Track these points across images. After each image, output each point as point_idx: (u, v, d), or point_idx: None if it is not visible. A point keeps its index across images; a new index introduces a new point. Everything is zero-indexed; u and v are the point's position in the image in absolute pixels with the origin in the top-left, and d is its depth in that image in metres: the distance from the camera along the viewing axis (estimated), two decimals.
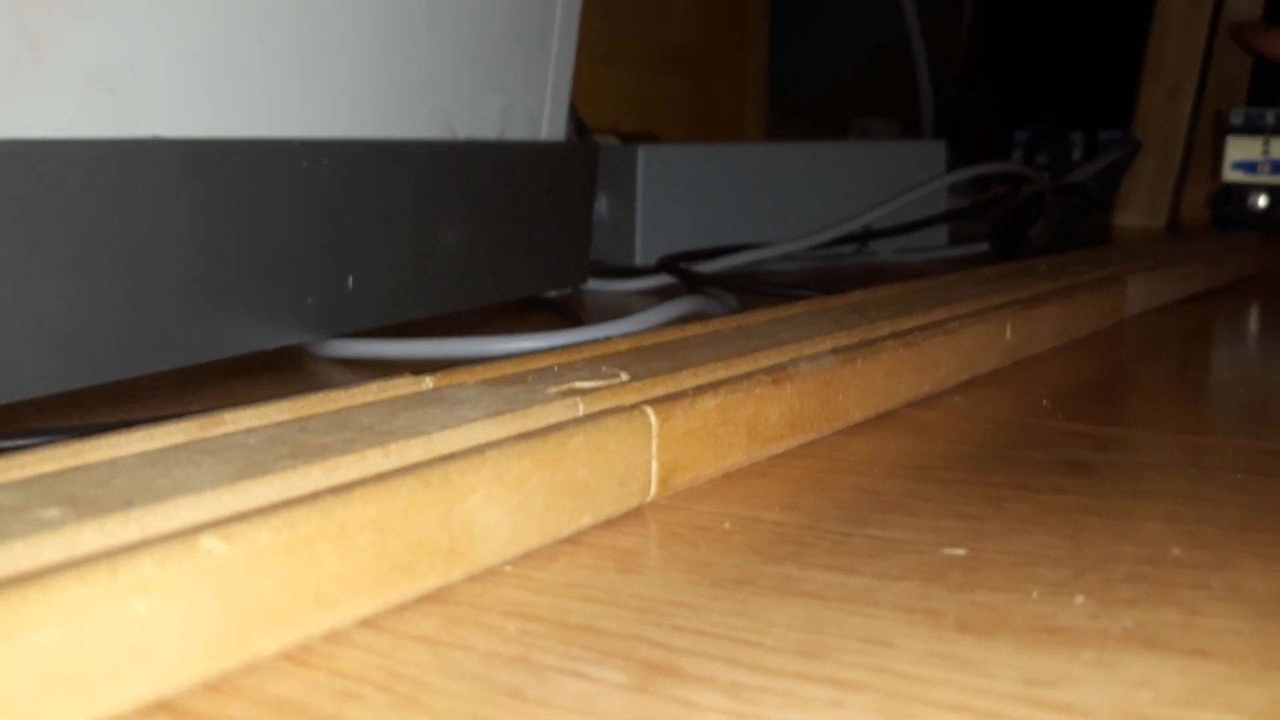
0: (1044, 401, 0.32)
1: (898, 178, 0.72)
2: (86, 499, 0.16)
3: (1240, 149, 0.80)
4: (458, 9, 0.40)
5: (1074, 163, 0.91)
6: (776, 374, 0.25)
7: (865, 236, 0.70)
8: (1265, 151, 0.78)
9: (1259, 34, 0.87)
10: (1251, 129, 0.80)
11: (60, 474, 0.17)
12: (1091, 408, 0.31)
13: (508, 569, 0.19)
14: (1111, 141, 0.93)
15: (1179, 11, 0.99)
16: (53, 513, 0.15)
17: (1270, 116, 0.80)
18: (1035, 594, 0.18)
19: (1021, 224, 0.71)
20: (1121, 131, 0.99)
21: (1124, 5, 1.06)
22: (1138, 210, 0.98)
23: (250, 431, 0.20)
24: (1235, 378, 0.38)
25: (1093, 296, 0.42)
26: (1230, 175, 0.80)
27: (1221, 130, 0.84)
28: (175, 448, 0.19)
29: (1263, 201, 0.79)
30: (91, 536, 0.15)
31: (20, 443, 0.22)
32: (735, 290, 0.50)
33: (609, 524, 0.21)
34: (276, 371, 0.36)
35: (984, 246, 0.74)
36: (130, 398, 0.32)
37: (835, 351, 0.28)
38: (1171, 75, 0.99)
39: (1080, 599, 0.18)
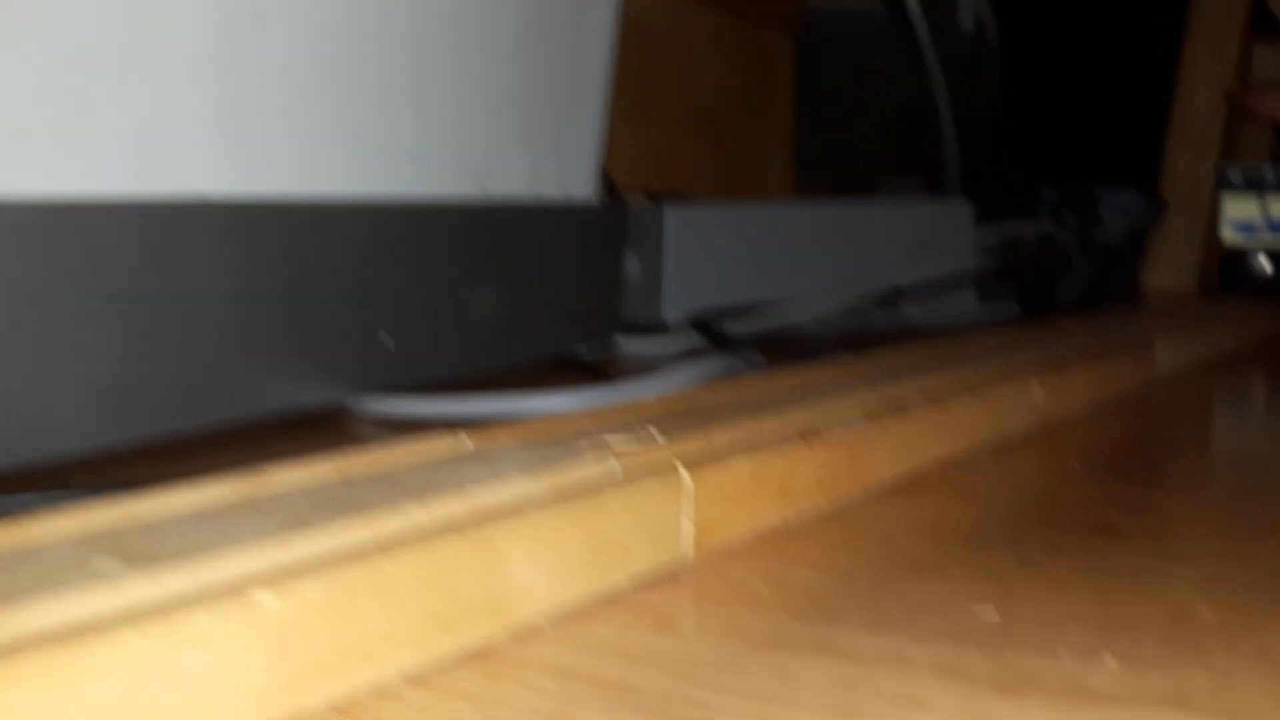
0: (1073, 463, 0.32)
1: (925, 236, 0.72)
2: (139, 552, 0.16)
3: (1237, 208, 0.77)
4: (492, 72, 0.41)
5: (1101, 222, 0.92)
6: (808, 435, 0.26)
7: (893, 296, 0.70)
8: (1263, 210, 0.75)
9: (1255, 96, 0.85)
10: (1249, 185, 0.76)
11: (112, 527, 0.18)
12: (1121, 470, 0.32)
13: (547, 626, 0.19)
14: (1138, 201, 0.93)
15: (1203, 69, 1.00)
16: (107, 565, 0.16)
17: (1269, 173, 0.76)
18: (1065, 655, 0.18)
19: (1049, 284, 0.72)
20: (1148, 191, 0.99)
21: (1150, 64, 1.07)
22: (1166, 269, 0.99)
23: (295, 487, 0.20)
24: (1264, 440, 0.38)
25: (1121, 358, 0.42)
26: (1230, 237, 0.78)
27: (1218, 188, 0.81)
28: (223, 502, 0.19)
29: (1268, 266, 0.77)
30: (145, 588, 0.15)
31: (70, 496, 0.23)
32: (764, 349, 0.51)
33: (644, 582, 0.22)
34: (313, 429, 0.37)
35: (1013, 306, 0.74)
36: (171, 454, 0.33)
37: (866, 413, 0.28)
38: (1197, 133, 0.99)
39: (1111, 660, 0.18)
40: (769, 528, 0.25)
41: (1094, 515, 0.27)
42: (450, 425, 0.25)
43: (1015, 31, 1.25)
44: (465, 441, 0.24)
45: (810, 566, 0.23)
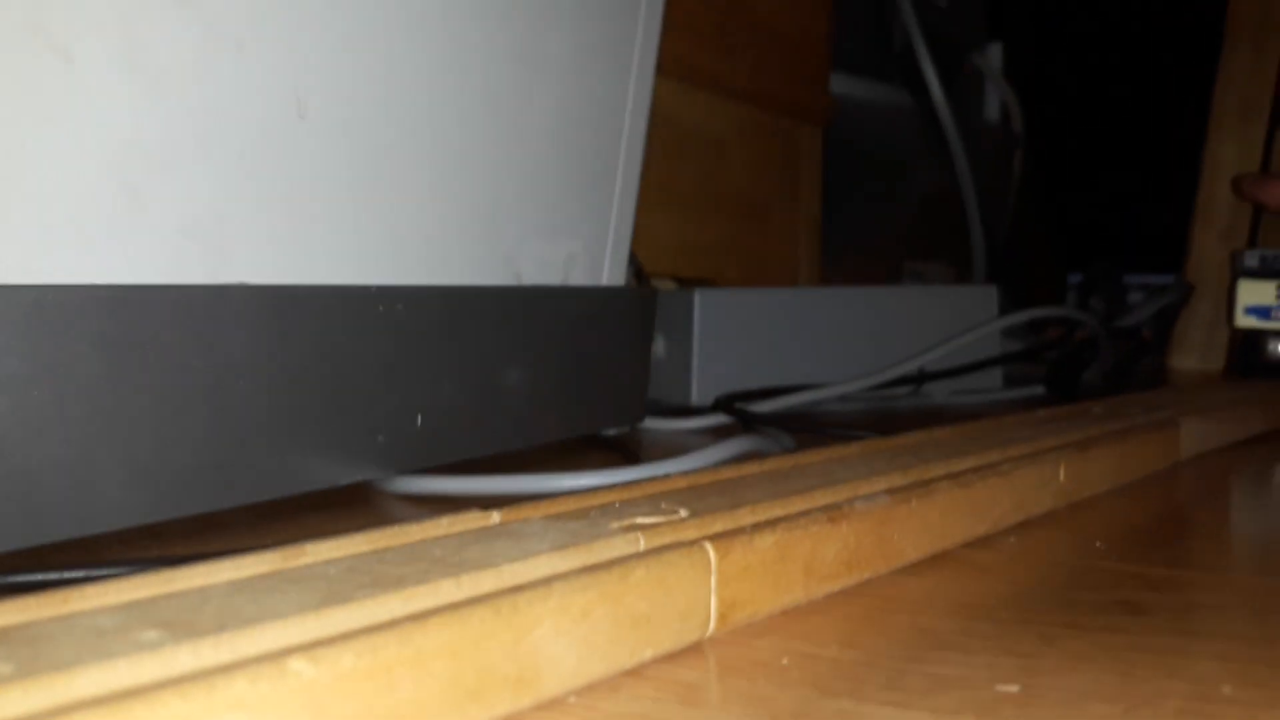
0: (1097, 543, 0.32)
1: (951, 321, 0.73)
2: (181, 623, 0.17)
3: (1252, 293, 0.75)
4: (525, 162, 0.43)
5: (1128, 306, 0.92)
6: (833, 513, 0.26)
7: (920, 379, 0.71)
8: (1279, 296, 0.74)
9: (1258, 184, 0.85)
10: (1266, 272, 0.75)
11: (155, 600, 0.19)
12: (1145, 549, 0.32)
13: (573, 699, 0.20)
14: (1165, 285, 0.94)
15: (1228, 155, 1.01)
16: (151, 635, 0.16)
17: None
18: None
19: (1076, 367, 0.72)
20: (1175, 275, 0.99)
21: (1176, 149, 1.08)
22: (1193, 352, 0.99)
23: (330, 562, 0.21)
24: None
25: (1147, 439, 0.42)
26: (1242, 321, 0.76)
27: (1235, 273, 0.79)
28: (261, 576, 0.20)
29: None
30: (187, 658, 0.16)
31: (113, 571, 0.24)
32: (791, 430, 0.51)
33: (670, 657, 0.22)
34: (346, 506, 0.37)
35: (1039, 389, 0.74)
36: (207, 531, 0.33)
37: (890, 491, 0.29)
38: (1223, 217, 1.00)
39: None
40: (794, 604, 0.25)
41: (1117, 593, 0.27)
42: (480, 503, 0.26)
43: (1041, 120, 1.27)
44: (494, 517, 0.25)
45: (834, 642, 0.23)
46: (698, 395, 0.66)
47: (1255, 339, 0.76)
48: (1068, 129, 1.32)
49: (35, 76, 0.27)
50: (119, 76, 0.29)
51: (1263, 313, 0.74)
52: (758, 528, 0.24)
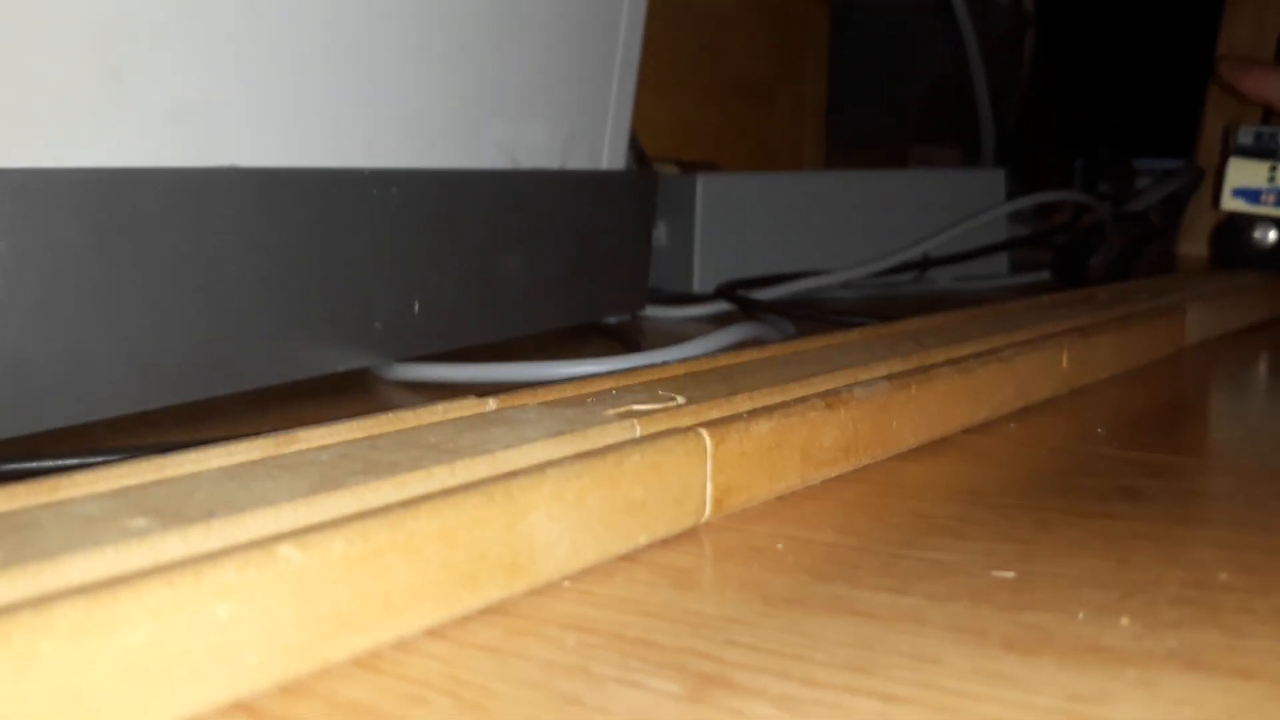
0: (1099, 429, 0.32)
1: (958, 206, 0.72)
2: (170, 510, 0.17)
3: (1243, 173, 0.66)
4: (521, 43, 0.41)
5: (1137, 191, 0.91)
6: (831, 399, 0.26)
7: (924, 264, 0.70)
8: (1272, 179, 0.65)
9: (1236, 68, 0.76)
10: (1261, 151, 0.66)
11: (144, 487, 0.18)
12: (1146, 436, 0.32)
13: (567, 584, 0.20)
14: (1175, 170, 0.92)
15: (1244, 37, 0.98)
16: (139, 522, 0.16)
17: None
18: (1081, 615, 0.18)
19: (1083, 252, 0.71)
20: (1185, 160, 0.98)
21: (1189, 33, 1.06)
22: (1202, 239, 0.98)
23: (323, 449, 0.21)
24: None
25: (1151, 325, 0.42)
26: (1229, 203, 0.67)
27: (1226, 150, 0.71)
28: (252, 463, 0.20)
29: (1272, 235, 0.66)
30: (176, 545, 0.16)
31: (104, 459, 0.23)
32: (793, 317, 0.51)
33: (665, 543, 0.22)
34: (343, 394, 0.37)
35: (1045, 275, 0.74)
36: (203, 418, 0.33)
37: (890, 377, 0.28)
38: (1235, 103, 0.98)
39: (1125, 620, 0.18)
40: (790, 490, 0.25)
41: (1117, 479, 0.27)
42: (477, 391, 0.26)
43: (1052, 1, 1.24)
44: (489, 404, 0.24)
45: (830, 528, 0.23)
46: (700, 282, 0.65)
47: (1241, 223, 0.67)
48: (1080, 11, 1.30)
49: None
50: None
51: (1252, 196, 0.65)
52: (754, 414, 0.24)
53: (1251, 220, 0.66)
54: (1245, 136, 0.66)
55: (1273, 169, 0.64)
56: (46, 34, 0.27)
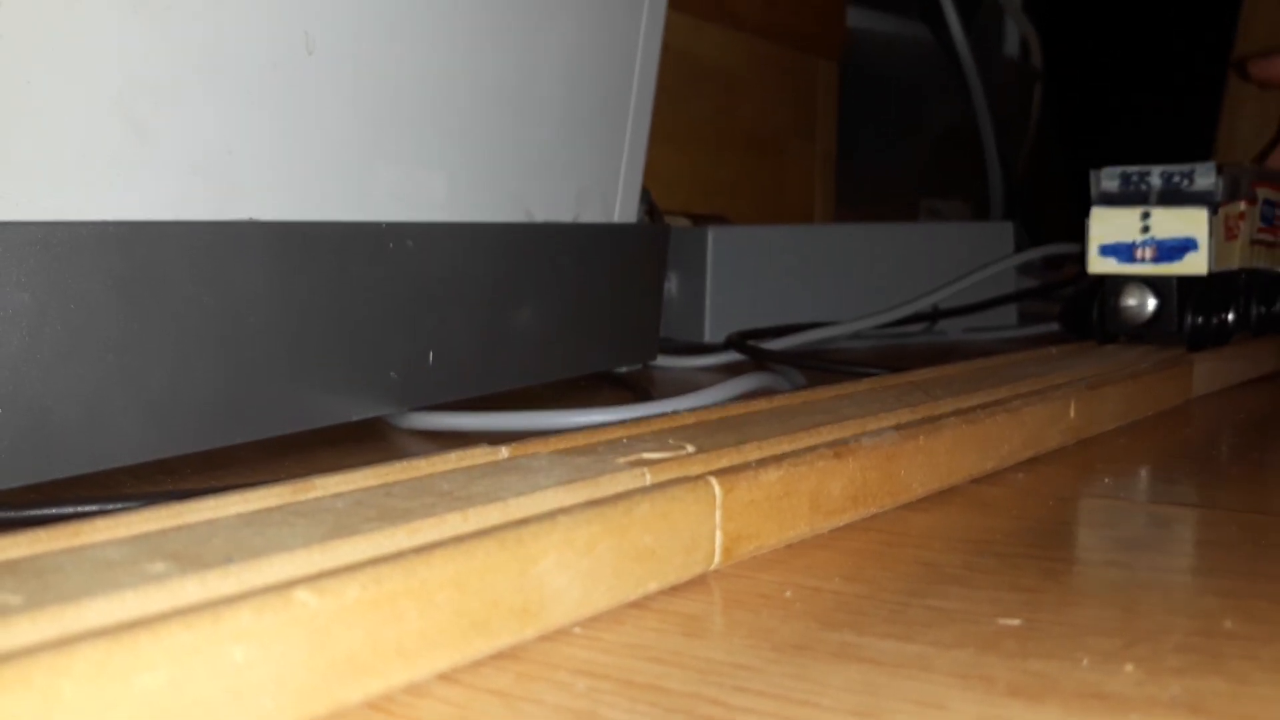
0: (1105, 479, 0.32)
1: (967, 258, 0.72)
2: (189, 555, 0.17)
3: (1110, 226, 0.50)
4: (537, 100, 0.42)
5: None
6: (839, 448, 0.26)
7: (934, 316, 0.70)
8: (1145, 228, 0.49)
9: (1260, 63, 0.75)
10: (1131, 197, 0.50)
11: (164, 533, 0.19)
12: (1153, 486, 0.32)
13: (577, 630, 0.20)
14: None
15: (1250, 90, 0.99)
16: (159, 567, 0.17)
17: (1156, 178, 0.50)
18: (1086, 662, 0.19)
19: (1091, 304, 0.71)
20: None
21: (1195, 88, 1.07)
22: None
23: (338, 496, 0.21)
24: None
25: (1158, 377, 0.42)
26: (1097, 265, 0.50)
27: (1086, 200, 0.52)
28: (269, 510, 0.20)
29: (1151, 303, 0.50)
30: (194, 589, 0.16)
31: (124, 505, 0.24)
32: (802, 368, 0.51)
33: (674, 590, 0.22)
34: (358, 442, 0.38)
35: (1053, 326, 0.74)
36: (220, 466, 0.34)
37: (898, 428, 0.29)
38: (1242, 154, 0.99)
39: (1130, 667, 0.18)
40: (799, 539, 0.25)
41: (1123, 529, 0.27)
42: (490, 439, 0.26)
43: (1060, 54, 1.25)
44: (502, 452, 0.25)
45: (838, 576, 0.23)
46: (710, 333, 0.66)
47: (1111, 288, 0.51)
48: (1088, 64, 1.31)
49: (41, 11, 0.27)
50: (126, 10, 0.28)
51: (1123, 252, 0.50)
52: (763, 463, 0.24)
53: (1120, 284, 0.50)
54: (1109, 181, 0.50)
55: (1145, 216, 0.49)
56: (70, 87, 0.28)
